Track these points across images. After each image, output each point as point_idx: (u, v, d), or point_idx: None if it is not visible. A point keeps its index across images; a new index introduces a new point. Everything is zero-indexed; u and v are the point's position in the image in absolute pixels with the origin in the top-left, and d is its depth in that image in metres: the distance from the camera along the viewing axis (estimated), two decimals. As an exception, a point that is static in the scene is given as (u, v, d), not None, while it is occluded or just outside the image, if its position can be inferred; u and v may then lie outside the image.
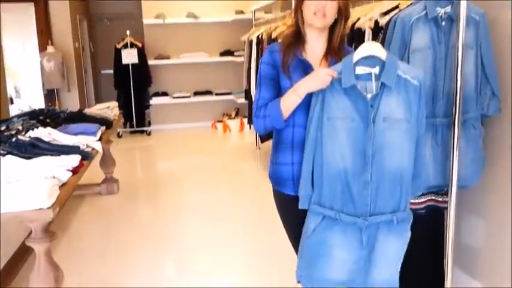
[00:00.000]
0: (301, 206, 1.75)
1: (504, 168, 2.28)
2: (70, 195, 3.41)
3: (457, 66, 1.98)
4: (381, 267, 1.73)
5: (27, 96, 8.73)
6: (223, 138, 7.36)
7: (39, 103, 7.03)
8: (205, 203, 4.27)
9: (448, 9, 2.03)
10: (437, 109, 2.10)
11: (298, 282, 1.82)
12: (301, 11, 1.74)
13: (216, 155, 6.27)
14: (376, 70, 1.64)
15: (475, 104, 2.13)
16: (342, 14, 1.73)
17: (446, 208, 2.16)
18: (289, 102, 1.69)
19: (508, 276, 2.29)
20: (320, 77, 1.65)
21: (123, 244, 3.42)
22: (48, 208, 1.92)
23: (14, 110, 7.16)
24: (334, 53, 1.76)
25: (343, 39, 1.81)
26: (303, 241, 1.77)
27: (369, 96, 1.64)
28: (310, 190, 1.74)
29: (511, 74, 2.19)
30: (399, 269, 1.77)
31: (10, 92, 8.55)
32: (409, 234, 1.75)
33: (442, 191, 2.24)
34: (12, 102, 8.55)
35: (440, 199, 2.29)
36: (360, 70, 1.65)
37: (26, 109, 5.89)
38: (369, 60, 1.65)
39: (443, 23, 2.05)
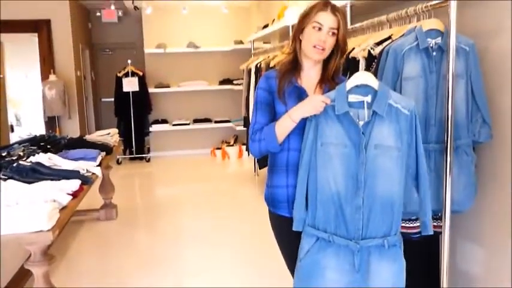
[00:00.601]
0: (295, 228, 1.78)
1: (496, 193, 2.32)
2: (69, 220, 3.44)
3: (448, 95, 2.04)
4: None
5: (28, 123, 8.82)
6: (222, 165, 7.41)
7: (40, 130, 7.10)
8: (204, 229, 4.28)
9: (439, 40, 2.12)
10: (429, 135, 2.16)
11: None
12: (299, 40, 1.81)
13: (215, 181, 6.30)
14: (368, 99, 1.69)
15: (466, 130, 2.19)
16: (339, 47, 1.80)
17: (441, 233, 2.19)
18: (284, 126, 1.74)
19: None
20: (314, 103, 1.70)
21: (121, 269, 3.42)
22: (48, 230, 1.95)
23: (14, 138, 7.25)
24: (328, 81, 1.82)
25: (338, 69, 1.88)
26: (298, 262, 1.79)
27: (361, 123, 1.70)
28: (304, 213, 1.78)
29: (500, 102, 2.26)
30: None
31: (11, 119, 8.67)
32: (403, 261, 1.76)
33: (436, 215, 2.27)
34: (12, 130, 8.65)
35: (434, 224, 2.31)
36: (353, 98, 1.71)
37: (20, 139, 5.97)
38: (362, 88, 1.71)
39: (434, 53, 2.13)
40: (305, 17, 1.78)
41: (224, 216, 4.68)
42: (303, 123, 1.75)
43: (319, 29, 1.74)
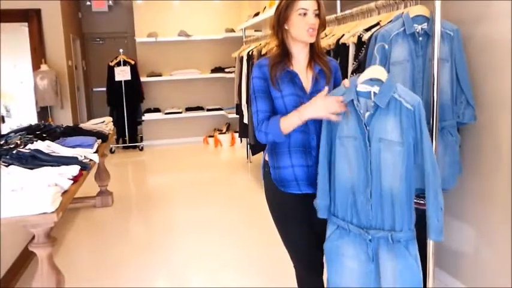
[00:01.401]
0: (320, 216, 1.89)
1: (480, 172, 2.44)
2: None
3: (434, 78, 2.14)
4: (389, 285, 1.77)
5: (19, 114, 8.80)
6: (215, 153, 7.49)
7: (32, 121, 7.07)
8: (198, 215, 4.36)
9: (425, 25, 2.21)
10: (416, 117, 2.26)
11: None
12: (285, 29, 1.89)
13: (208, 168, 6.39)
14: (375, 89, 1.73)
15: (451, 112, 2.29)
16: (323, 24, 1.89)
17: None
18: (291, 122, 1.81)
19: (490, 276, 2.43)
20: (329, 106, 1.75)
21: (117, 255, 3.51)
22: (52, 213, 2.03)
23: (4, 129, 7.25)
24: (318, 58, 1.92)
25: (320, 47, 1.97)
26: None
27: (367, 115, 1.75)
28: (328, 201, 1.87)
29: (486, 85, 2.36)
30: None
31: (1, 111, 8.65)
32: (408, 260, 1.74)
33: (423, 193, 2.37)
34: (3, 121, 8.64)
35: (422, 201, 2.42)
36: (362, 88, 1.76)
37: (15, 127, 6.00)
38: (374, 81, 1.75)
39: (421, 38, 2.22)
40: (288, 7, 1.85)
41: (218, 202, 4.76)
42: (297, 106, 1.84)
43: (305, 14, 1.83)
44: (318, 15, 1.85)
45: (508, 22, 2.18)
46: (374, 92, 1.73)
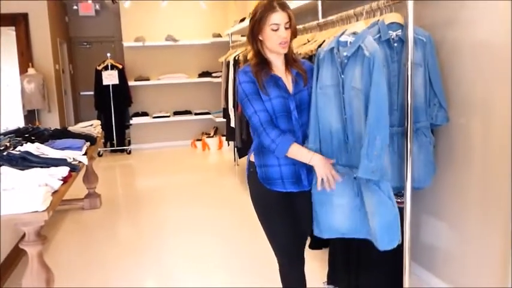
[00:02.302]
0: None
1: (454, 171, 2.57)
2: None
3: (407, 82, 2.26)
4: (372, 220, 1.99)
5: (5, 117, 8.78)
6: (203, 156, 7.57)
7: (18, 124, 7.11)
8: (186, 218, 4.42)
9: (399, 32, 2.32)
10: (392, 119, 2.36)
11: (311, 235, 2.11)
12: (260, 40, 2.01)
13: (196, 171, 6.47)
14: (352, 39, 1.94)
15: (425, 114, 2.41)
16: (294, 34, 2.02)
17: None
18: (300, 155, 1.97)
19: (465, 271, 2.54)
20: (326, 173, 1.94)
21: (105, 256, 3.57)
22: (43, 211, 2.11)
23: (-10, 132, 7.24)
24: (293, 63, 2.06)
25: (293, 51, 2.10)
26: (312, 194, 2.07)
27: (343, 64, 1.95)
28: (318, 144, 2.04)
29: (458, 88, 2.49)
30: (394, 227, 1.99)
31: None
32: (386, 196, 1.95)
33: (400, 192, 2.49)
34: (-13, 124, 8.61)
35: (399, 200, 2.54)
36: (343, 38, 1.97)
37: (2, 131, 6.03)
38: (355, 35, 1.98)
39: (396, 44, 2.34)
40: (260, 22, 1.96)
41: (205, 205, 4.83)
42: (286, 106, 1.99)
43: (277, 29, 1.95)
44: (288, 27, 1.97)
45: (478, 26, 2.31)
46: (350, 42, 1.92)
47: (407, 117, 2.28)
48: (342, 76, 1.91)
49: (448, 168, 2.61)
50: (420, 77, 2.37)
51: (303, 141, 2.06)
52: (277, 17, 1.94)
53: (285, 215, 2.06)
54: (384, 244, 2.02)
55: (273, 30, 1.95)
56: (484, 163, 2.36)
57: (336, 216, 2.06)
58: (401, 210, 2.55)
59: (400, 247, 2.53)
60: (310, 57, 3.00)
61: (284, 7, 1.97)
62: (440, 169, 2.61)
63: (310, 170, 2.04)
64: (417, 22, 2.30)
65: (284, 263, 2.12)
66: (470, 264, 2.49)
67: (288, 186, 2.04)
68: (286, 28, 1.96)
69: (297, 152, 1.96)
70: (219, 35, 7.81)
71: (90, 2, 8.64)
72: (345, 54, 1.96)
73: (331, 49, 1.98)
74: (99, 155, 7.51)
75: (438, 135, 2.59)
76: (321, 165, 1.94)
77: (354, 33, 1.97)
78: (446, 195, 2.65)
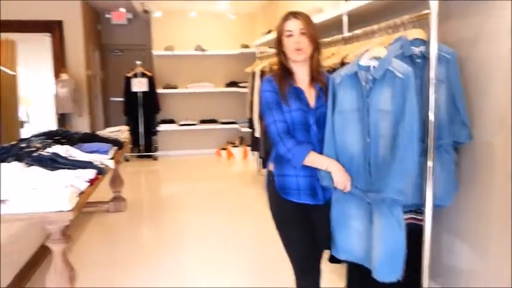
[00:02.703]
0: (322, 183, 2.05)
1: (477, 190, 2.53)
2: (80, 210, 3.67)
3: (429, 99, 2.26)
4: (375, 249, 1.96)
5: (40, 120, 9.09)
6: (227, 165, 7.64)
7: (50, 127, 7.35)
8: (208, 225, 4.47)
9: (422, 48, 2.34)
10: (414, 135, 2.37)
11: (328, 248, 2.13)
12: (283, 51, 2.09)
13: (220, 180, 6.54)
14: (375, 63, 1.95)
15: (447, 131, 2.40)
16: (316, 46, 2.08)
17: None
18: (318, 162, 2.00)
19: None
20: (342, 181, 1.98)
21: (127, 258, 3.65)
22: (68, 211, 2.19)
23: (23, 134, 7.51)
24: (317, 79, 2.10)
25: (320, 65, 2.15)
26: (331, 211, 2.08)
27: (368, 87, 1.95)
28: None
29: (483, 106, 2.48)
30: (397, 259, 1.94)
31: (21, 116, 8.95)
32: (395, 221, 1.93)
33: (420, 209, 2.48)
34: (22, 126, 8.93)
35: (419, 217, 2.52)
36: (364, 62, 1.98)
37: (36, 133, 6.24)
38: (375, 59, 1.98)
39: (419, 60, 2.35)
40: (279, 33, 2.09)
41: (227, 212, 4.88)
42: (305, 117, 2.02)
43: (291, 35, 2.04)
44: (305, 34, 2.02)
45: (504, 42, 2.30)
46: (374, 66, 1.93)
47: (428, 135, 2.29)
48: (367, 99, 1.92)
49: (471, 186, 2.58)
50: (443, 94, 2.37)
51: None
52: (290, 24, 2.04)
53: (301, 226, 2.09)
54: (383, 275, 1.95)
55: (288, 37, 2.04)
56: (508, 182, 2.33)
57: (352, 240, 2.04)
58: (420, 228, 2.54)
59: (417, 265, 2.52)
60: (335, 71, 3.03)
61: (297, 15, 2.06)
62: (464, 187, 2.58)
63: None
64: (442, 39, 2.31)
65: (300, 274, 2.13)
66: (493, 286, 2.45)
67: (303, 198, 2.07)
68: (301, 34, 2.02)
69: (314, 159, 1.99)
70: (247, 46, 7.91)
71: (122, 11, 8.88)
72: (370, 77, 1.95)
73: (354, 73, 1.99)
74: (126, 160, 7.67)
75: (461, 153, 2.57)
76: (337, 172, 1.97)
77: (375, 58, 1.96)
78: (469, 214, 2.61)
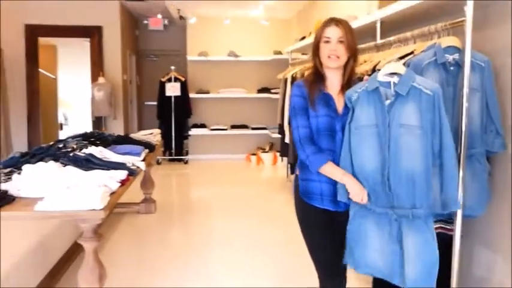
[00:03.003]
0: (340, 199, 2.03)
1: (510, 200, 2.46)
2: (112, 211, 3.77)
3: (462, 107, 2.22)
4: (411, 265, 1.93)
5: (75, 123, 9.40)
6: (257, 170, 7.67)
7: (88, 129, 7.60)
8: (235, 228, 4.52)
9: (456, 56, 2.30)
10: (445, 144, 2.34)
11: (346, 264, 2.09)
12: (318, 56, 2.09)
13: (249, 185, 6.58)
14: (395, 80, 1.94)
15: (480, 140, 2.35)
16: (353, 54, 2.07)
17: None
18: (333, 174, 2.00)
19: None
20: (357, 194, 1.96)
21: (155, 258, 3.72)
22: (100, 210, 2.26)
23: (62, 136, 7.78)
24: (348, 85, 2.09)
25: (354, 73, 2.14)
26: (347, 227, 2.05)
27: (387, 102, 1.94)
28: None
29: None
30: (433, 272, 1.94)
31: (60, 119, 9.28)
32: (430, 233, 1.94)
33: (451, 219, 2.43)
34: (61, 128, 9.25)
35: (448, 227, 2.47)
36: (383, 78, 1.97)
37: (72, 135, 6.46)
38: (393, 74, 1.96)
39: (452, 68, 2.31)
40: (316, 36, 2.09)
41: (255, 217, 4.90)
42: (330, 124, 2.02)
43: (329, 41, 2.04)
44: (343, 42, 2.02)
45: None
46: (394, 82, 1.92)
47: (460, 144, 2.24)
48: (388, 114, 1.92)
49: (505, 197, 2.51)
50: (477, 103, 2.33)
51: None
52: (330, 31, 2.04)
53: (325, 231, 2.09)
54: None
55: (325, 43, 2.04)
56: (542, 194, 2.26)
57: (371, 256, 2.01)
58: (450, 237, 2.49)
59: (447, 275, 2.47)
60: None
61: (338, 23, 2.05)
62: (496, 198, 2.51)
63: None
64: (478, 47, 2.27)
65: (323, 279, 2.13)
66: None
67: (325, 204, 2.07)
68: (339, 42, 2.02)
69: (330, 170, 1.99)
70: (280, 52, 7.94)
71: (159, 17, 9.08)
72: (393, 93, 1.94)
73: (372, 90, 1.96)
74: (158, 163, 7.81)
75: (495, 163, 2.51)
76: (352, 185, 1.95)
77: (393, 74, 1.95)
78: (501, 225, 2.54)
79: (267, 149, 8.26)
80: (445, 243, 2.52)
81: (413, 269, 1.93)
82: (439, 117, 1.91)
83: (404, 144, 1.90)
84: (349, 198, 2.00)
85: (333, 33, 2.04)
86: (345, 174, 1.98)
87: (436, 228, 2.47)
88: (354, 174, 2.00)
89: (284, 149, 5.86)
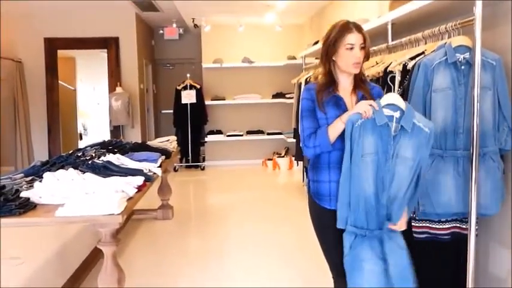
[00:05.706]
0: (339, 226, 2.06)
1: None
2: (131, 217, 3.84)
3: (474, 106, 2.22)
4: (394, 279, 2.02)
5: (95, 132, 9.57)
6: (273, 175, 7.70)
7: (106, 138, 7.73)
8: (251, 233, 4.55)
9: (467, 55, 2.31)
10: (458, 143, 2.34)
11: None
12: (333, 60, 2.09)
13: (265, 190, 6.61)
14: (397, 114, 2.01)
15: (493, 138, 2.34)
16: (366, 56, 2.09)
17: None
18: (336, 128, 2.03)
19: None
20: (362, 107, 1.99)
21: (172, 263, 3.77)
22: (118, 214, 2.32)
23: (81, 146, 7.94)
24: (361, 86, 2.12)
25: (363, 73, 2.17)
26: (344, 258, 2.09)
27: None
28: (347, 213, 2.05)
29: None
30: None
31: (79, 128, 9.47)
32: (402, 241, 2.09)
33: (466, 218, 2.43)
34: (81, 138, 9.43)
35: (464, 226, 2.47)
36: (385, 112, 2.01)
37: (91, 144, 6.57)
38: (391, 106, 2.02)
39: (463, 67, 2.32)
40: (335, 43, 2.05)
41: (271, 222, 4.92)
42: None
43: (352, 48, 2.03)
44: (363, 48, 2.04)
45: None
46: (396, 117, 2.00)
47: (473, 143, 2.24)
48: (391, 145, 2.01)
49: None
50: (489, 101, 2.32)
51: None
52: (353, 38, 2.03)
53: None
54: None
55: (347, 49, 2.03)
56: (558, 191, 2.24)
57: (365, 282, 2.06)
58: (465, 237, 2.48)
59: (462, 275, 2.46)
60: (378, 80, 3.03)
61: (360, 29, 2.06)
62: (511, 195, 2.49)
63: None
64: (490, 45, 2.26)
65: (337, 279, 2.15)
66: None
67: (334, 204, 2.09)
68: (360, 48, 2.04)
69: (333, 130, 2.02)
70: (293, 57, 7.98)
71: (175, 26, 9.21)
72: (399, 126, 2.02)
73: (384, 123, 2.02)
74: (175, 170, 7.90)
75: (508, 161, 2.49)
76: (357, 108, 1.99)
77: (393, 105, 2.01)
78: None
79: (283, 153, 8.29)
80: (461, 242, 2.52)
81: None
82: (427, 151, 2.05)
83: (397, 173, 2.01)
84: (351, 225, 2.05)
85: (356, 39, 2.03)
86: (342, 116, 2.01)
87: (452, 228, 2.48)
88: (353, 201, 2.04)
89: (299, 153, 5.88)
